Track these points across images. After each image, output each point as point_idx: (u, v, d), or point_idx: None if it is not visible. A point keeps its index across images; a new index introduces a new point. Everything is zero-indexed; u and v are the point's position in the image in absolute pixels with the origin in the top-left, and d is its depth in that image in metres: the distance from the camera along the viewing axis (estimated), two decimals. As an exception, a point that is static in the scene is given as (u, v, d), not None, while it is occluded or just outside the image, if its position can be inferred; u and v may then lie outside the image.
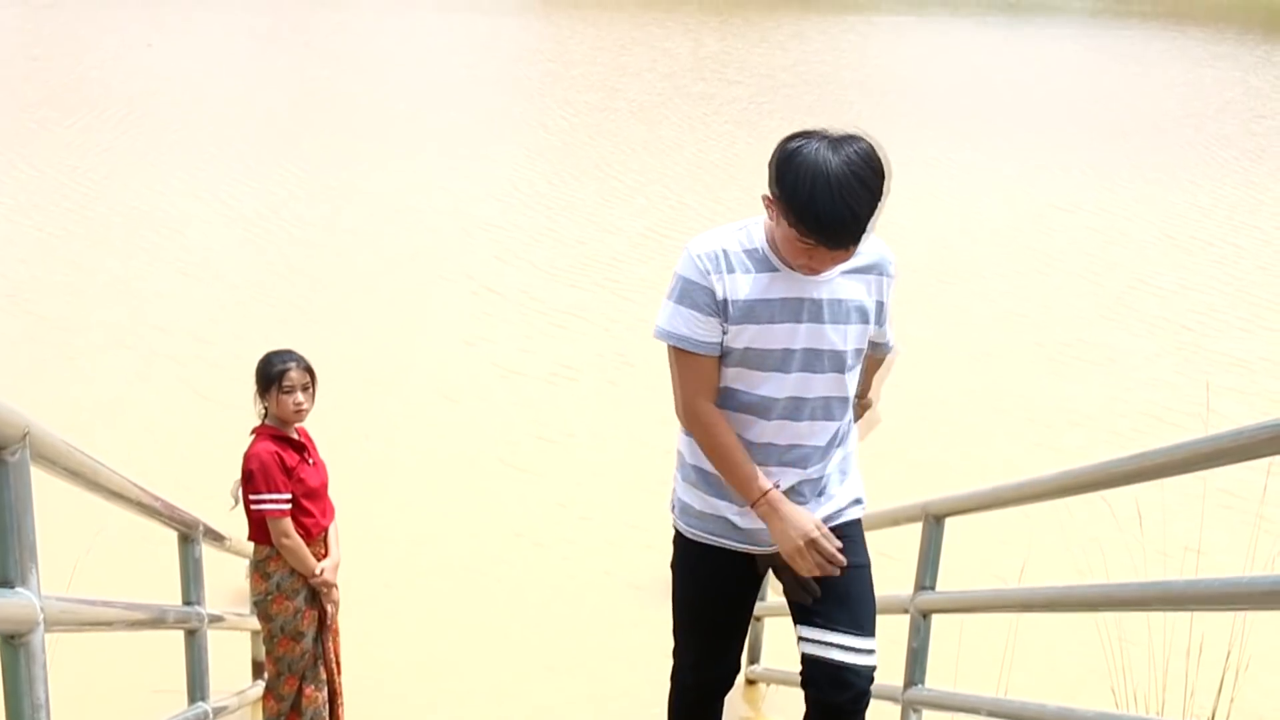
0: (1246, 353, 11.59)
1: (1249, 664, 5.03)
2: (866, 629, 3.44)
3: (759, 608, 5.12)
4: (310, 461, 5.03)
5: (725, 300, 3.18)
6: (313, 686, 5.08)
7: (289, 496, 4.86)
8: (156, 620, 3.99)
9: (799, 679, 3.53)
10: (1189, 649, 5.05)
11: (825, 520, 3.42)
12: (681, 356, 3.28)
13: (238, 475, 4.95)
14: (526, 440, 9.34)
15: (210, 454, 8.46)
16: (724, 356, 3.26)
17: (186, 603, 4.51)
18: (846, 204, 2.92)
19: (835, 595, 3.44)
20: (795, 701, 3.67)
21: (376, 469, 8.59)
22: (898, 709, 4.51)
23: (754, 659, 5.99)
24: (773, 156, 3.05)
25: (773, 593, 5.60)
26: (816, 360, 3.25)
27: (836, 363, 3.27)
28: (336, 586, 5.10)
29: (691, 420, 3.33)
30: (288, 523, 4.84)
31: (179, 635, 4.52)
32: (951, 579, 4.46)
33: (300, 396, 4.88)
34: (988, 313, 12.65)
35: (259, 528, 4.91)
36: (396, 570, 7.34)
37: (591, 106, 24.52)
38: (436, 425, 9.62)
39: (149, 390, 10.05)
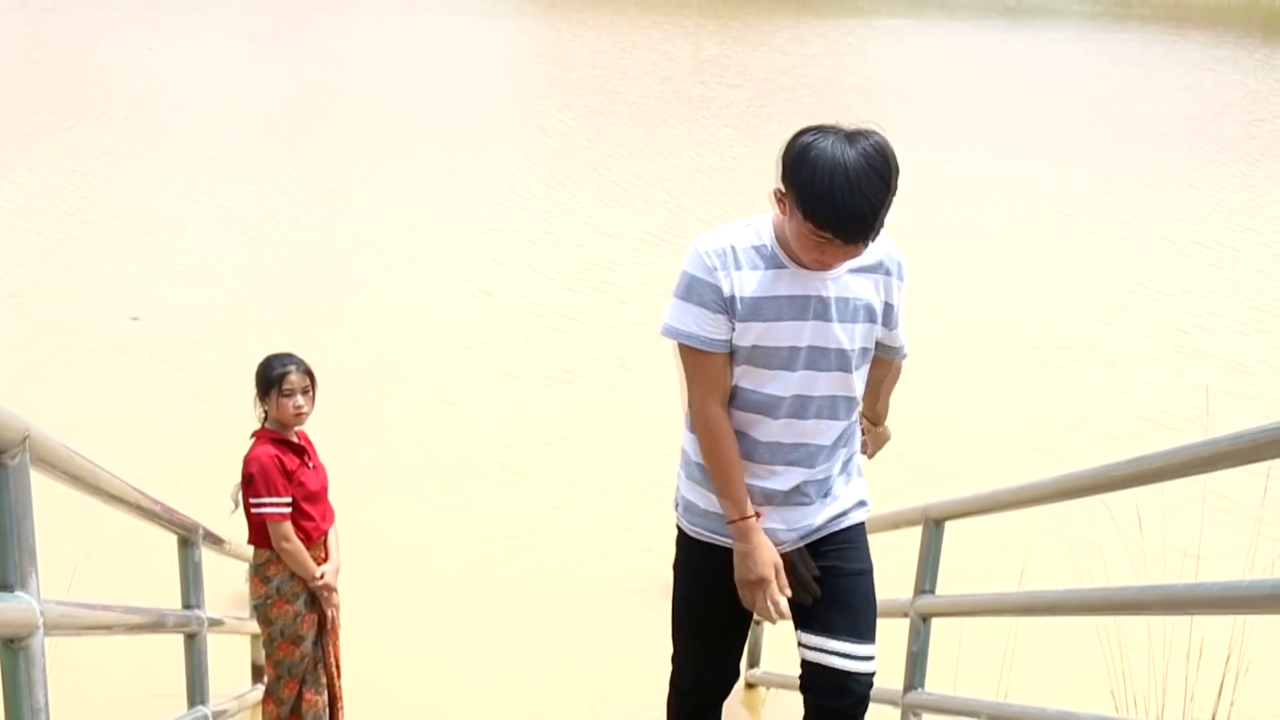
0: (1245, 356, 11.60)
1: (1249, 668, 5.03)
2: (867, 635, 3.44)
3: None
4: (310, 465, 5.02)
5: (732, 297, 3.17)
6: (313, 690, 5.08)
7: (289, 500, 4.85)
8: (156, 624, 3.99)
9: (798, 683, 3.54)
10: (1189, 652, 5.05)
11: (830, 522, 3.43)
12: (690, 354, 3.26)
13: (237, 479, 4.95)
14: (524, 443, 9.34)
15: (209, 457, 8.46)
16: (731, 355, 3.24)
17: (186, 606, 4.50)
18: (865, 196, 2.91)
19: (836, 601, 3.44)
20: (795, 706, 3.67)
21: (374, 472, 8.58)
22: (897, 712, 4.51)
23: (754, 662, 5.99)
24: (784, 151, 3.04)
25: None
26: (822, 358, 3.24)
27: (842, 361, 3.27)
28: (336, 590, 5.10)
29: (699, 424, 3.32)
30: (288, 526, 4.84)
31: (178, 639, 4.52)
32: (951, 583, 4.46)
33: (300, 399, 4.88)
34: (986, 316, 12.65)
35: (259, 531, 4.90)
36: (395, 573, 7.33)
37: (590, 109, 24.53)
38: (434, 428, 9.61)
39: (147, 393, 10.05)
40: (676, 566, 3.64)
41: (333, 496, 5.22)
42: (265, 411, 4.94)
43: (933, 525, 4.28)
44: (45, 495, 2.53)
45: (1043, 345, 11.84)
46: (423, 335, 11.71)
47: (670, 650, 3.76)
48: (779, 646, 5.71)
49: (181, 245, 14.37)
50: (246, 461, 4.87)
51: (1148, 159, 21.47)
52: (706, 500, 3.43)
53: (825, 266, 3.14)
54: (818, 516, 3.42)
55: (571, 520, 8.20)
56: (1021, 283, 13.95)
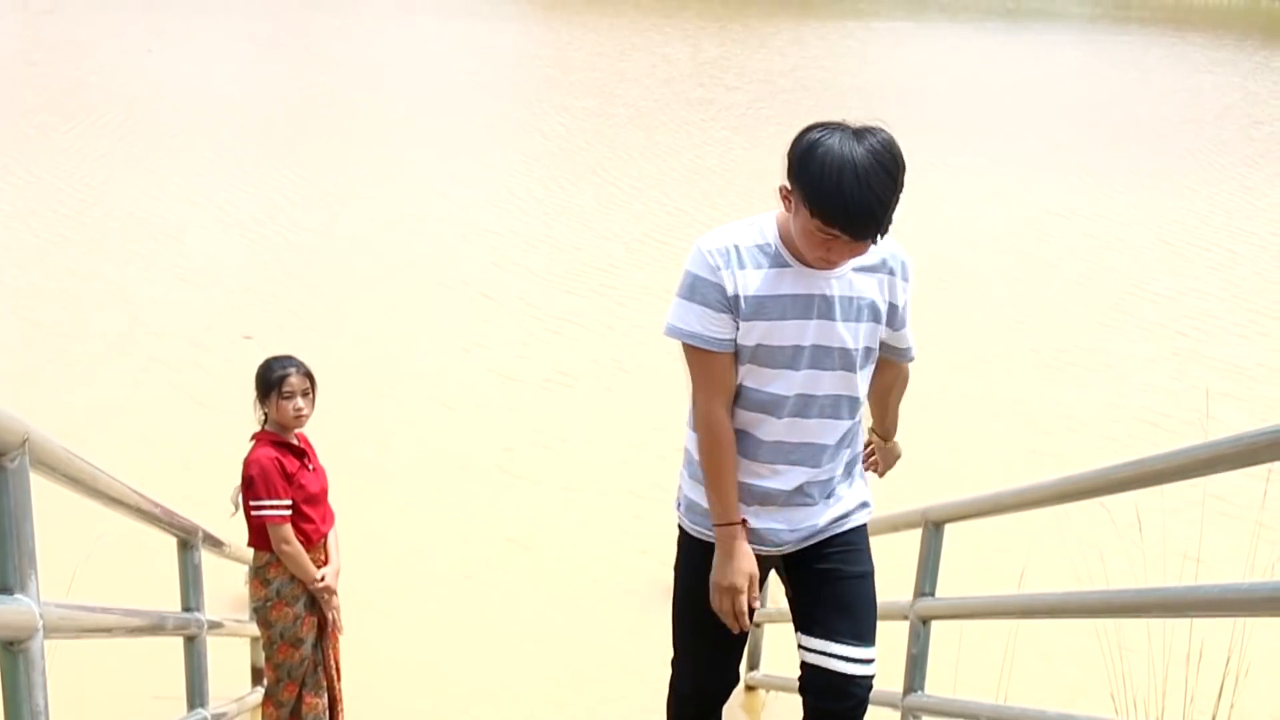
0: (1243, 358, 11.60)
1: (1248, 670, 5.03)
2: (867, 639, 3.44)
3: (758, 614, 5.11)
4: (310, 467, 5.02)
5: (736, 296, 3.16)
6: (312, 693, 5.07)
7: (289, 502, 4.85)
8: (156, 626, 3.99)
9: (798, 685, 3.54)
10: (1188, 655, 5.05)
11: (833, 523, 3.43)
12: (694, 354, 3.25)
13: (237, 481, 4.95)
14: (523, 446, 9.34)
15: (208, 460, 8.46)
16: (736, 354, 3.23)
17: (186, 609, 4.50)
18: (873, 193, 2.90)
19: (837, 604, 3.44)
20: (795, 709, 3.67)
21: (373, 475, 8.58)
22: (897, 715, 4.51)
23: (753, 665, 5.99)
24: (791, 148, 3.03)
25: (772, 600, 5.61)
26: (826, 357, 3.23)
27: (846, 360, 3.26)
28: (336, 593, 5.10)
29: (702, 424, 3.31)
30: (288, 529, 4.84)
31: (178, 642, 4.52)
32: (951, 585, 4.46)
33: (300, 402, 4.88)
34: (985, 318, 12.65)
35: (259, 534, 4.90)
36: (394, 575, 7.33)
37: (589, 112, 24.54)
38: (433, 431, 9.61)
39: (146, 396, 10.04)
40: (678, 567, 3.62)
41: (332, 499, 5.21)
42: (265, 414, 4.94)
43: (932, 528, 4.28)
44: (45, 498, 2.53)
45: (1041, 348, 11.85)
46: (422, 338, 11.71)
47: (670, 654, 3.73)
48: (779, 648, 5.70)
49: (180, 248, 14.36)
50: (246, 464, 4.87)
51: (1147, 161, 21.48)
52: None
53: (831, 264, 3.13)
54: (821, 517, 3.41)
55: (570, 522, 8.20)
56: (1020, 285, 13.95)
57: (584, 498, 8.55)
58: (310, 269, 13.82)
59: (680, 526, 3.57)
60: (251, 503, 4.84)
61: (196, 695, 4.54)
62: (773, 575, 3.68)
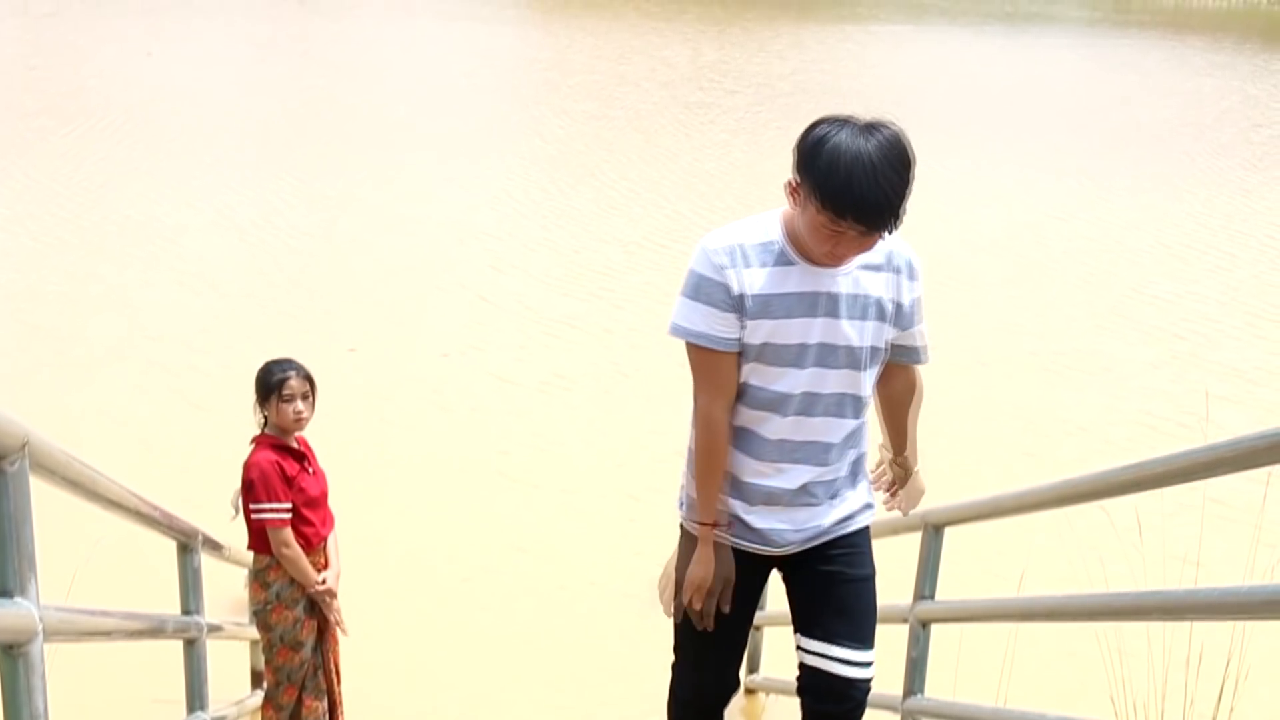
0: (1242, 361, 11.60)
1: (1248, 674, 5.03)
2: (867, 641, 3.45)
3: (758, 617, 5.12)
4: (310, 470, 5.02)
5: (742, 295, 3.15)
6: (312, 696, 5.07)
7: (289, 506, 4.85)
8: (155, 630, 3.99)
9: (796, 686, 3.54)
10: (1188, 659, 5.05)
11: (837, 524, 3.43)
12: (699, 354, 3.24)
13: (238, 485, 4.95)
14: (520, 449, 9.34)
15: (207, 464, 8.46)
16: (742, 353, 3.22)
17: (185, 612, 4.51)
18: (882, 186, 2.90)
19: (839, 607, 3.44)
20: (794, 712, 3.67)
21: (371, 478, 8.58)
22: (897, 718, 4.51)
23: (753, 668, 5.99)
24: (799, 142, 3.02)
25: (772, 602, 5.61)
26: (831, 355, 3.22)
27: (851, 359, 3.25)
28: (337, 596, 5.09)
29: (702, 422, 3.31)
30: (288, 532, 4.84)
31: (178, 645, 4.52)
32: (951, 588, 4.46)
33: (300, 405, 4.88)
34: (984, 321, 12.65)
35: (259, 537, 4.90)
36: (392, 579, 7.33)
37: (588, 115, 24.54)
38: (431, 434, 9.61)
39: (144, 400, 10.04)
40: (679, 569, 3.60)
41: (331, 502, 5.21)
42: (265, 417, 4.94)
43: (932, 531, 4.28)
44: (44, 501, 2.53)
45: (1040, 351, 11.85)
46: (420, 341, 11.71)
47: (669, 658, 3.72)
48: (778, 653, 5.70)
49: (179, 251, 14.37)
50: (246, 467, 4.87)
51: (1146, 164, 21.48)
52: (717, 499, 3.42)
53: (837, 260, 3.12)
54: (825, 518, 3.41)
55: (567, 526, 8.20)
56: (1019, 288, 13.95)
57: (581, 501, 8.55)
58: (309, 272, 13.82)
59: (682, 526, 3.55)
60: (251, 506, 4.84)
61: (196, 698, 4.54)
62: (773, 577, 3.67)
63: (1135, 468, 3.17)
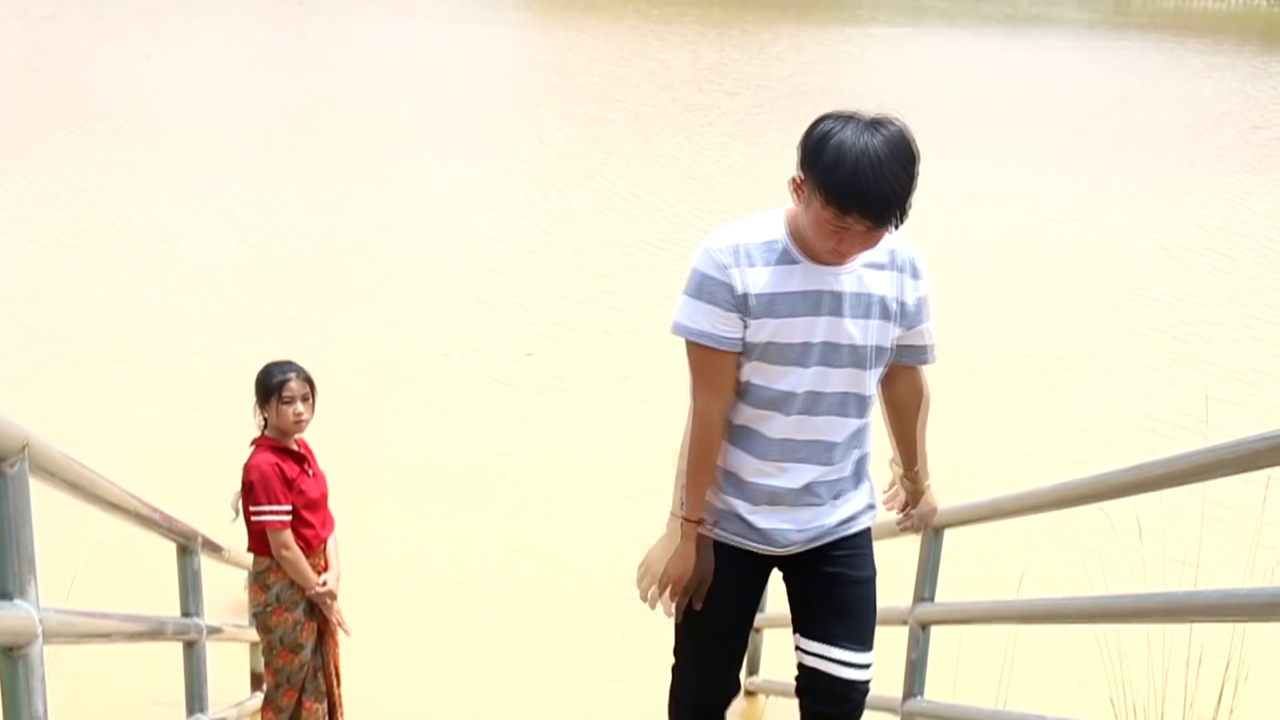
0: (1241, 364, 11.60)
1: (1248, 676, 5.03)
2: (866, 643, 3.45)
3: (758, 619, 5.12)
4: (310, 473, 5.02)
5: (745, 294, 3.14)
6: (312, 698, 5.07)
7: (289, 508, 4.85)
8: (155, 632, 3.99)
9: (794, 686, 3.54)
10: (1188, 661, 5.05)
11: (840, 525, 3.43)
12: (700, 353, 3.23)
13: (237, 487, 4.95)
14: (518, 452, 9.33)
15: (206, 466, 8.46)
16: (745, 351, 3.21)
17: (185, 614, 4.50)
18: (887, 181, 2.89)
19: (840, 609, 3.44)
20: (794, 715, 3.67)
21: (369, 480, 8.57)
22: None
23: (753, 670, 5.98)
24: (804, 138, 3.01)
25: (772, 604, 5.61)
26: (834, 354, 3.21)
27: (855, 358, 3.24)
28: (337, 597, 5.09)
29: (698, 421, 3.30)
30: (288, 534, 4.84)
31: (178, 647, 4.51)
32: (950, 590, 4.46)
33: (300, 407, 4.88)
34: (982, 323, 12.64)
35: (259, 539, 4.90)
36: (390, 581, 7.33)
37: (588, 118, 24.54)
38: (429, 436, 9.61)
39: (143, 402, 10.04)
40: None
41: (330, 504, 5.21)
42: (265, 419, 4.95)
43: (932, 533, 4.28)
44: (44, 503, 2.53)
45: (1039, 353, 11.85)
46: (418, 343, 11.71)
47: (668, 661, 3.71)
48: (778, 655, 5.70)
49: (178, 253, 14.36)
50: (246, 469, 4.87)
51: (1145, 166, 21.49)
52: (718, 499, 3.40)
53: (841, 256, 3.10)
54: (828, 518, 3.41)
55: (565, 528, 8.20)
56: (1018, 290, 13.96)
57: (580, 503, 8.55)
58: (308, 274, 13.82)
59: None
60: (251, 508, 4.84)
61: (196, 701, 4.54)
62: (773, 579, 3.66)
63: (1135, 470, 3.17)
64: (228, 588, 6.39)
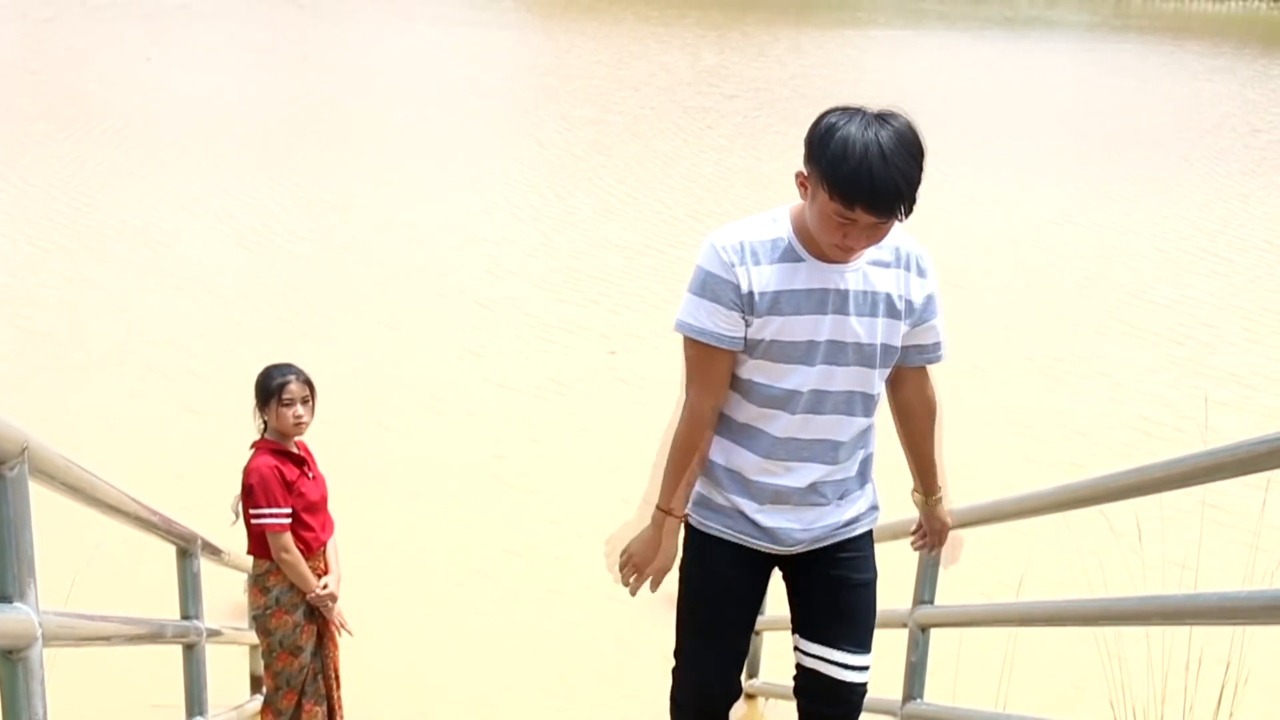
0: (1239, 367, 11.60)
1: (1248, 678, 5.04)
2: (865, 646, 3.46)
3: (758, 621, 5.12)
4: (310, 475, 5.02)
5: (750, 293, 3.14)
6: (312, 701, 5.07)
7: (289, 511, 4.85)
8: (155, 635, 3.99)
9: (792, 687, 3.54)
10: (1187, 663, 5.05)
11: (843, 527, 3.43)
12: (699, 350, 3.23)
13: (237, 490, 4.95)
14: (516, 455, 9.33)
15: (205, 469, 8.46)
16: (749, 349, 3.21)
17: (185, 617, 4.51)
18: (892, 172, 2.88)
19: (841, 611, 3.45)
20: (793, 718, 3.67)
21: (367, 484, 8.56)
22: (896, 723, 4.51)
23: (752, 673, 5.98)
24: (810, 132, 3.01)
25: (771, 607, 5.61)
26: (840, 353, 3.20)
27: (861, 356, 3.23)
28: (338, 600, 5.09)
29: (689, 416, 3.32)
30: (288, 537, 4.84)
31: (177, 650, 4.52)
32: (950, 593, 4.46)
33: (300, 409, 4.88)
34: (981, 326, 12.64)
35: (258, 542, 4.90)
36: (388, 584, 7.33)
37: (587, 120, 24.55)
38: (427, 439, 9.61)
39: (142, 405, 10.03)
40: (684, 567, 3.57)
41: (330, 506, 5.21)
42: (265, 421, 4.94)
43: (931, 536, 4.27)
44: (44, 506, 2.53)
45: (1037, 355, 11.85)
46: (417, 346, 11.71)
47: (668, 664, 3.69)
48: (778, 658, 5.70)
49: (177, 256, 14.36)
50: (246, 472, 4.87)
51: (1144, 169, 21.50)
52: (724, 497, 3.39)
53: (847, 252, 3.09)
54: (833, 518, 3.40)
55: (563, 530, 8.19)
56: (1016, 292, 13.97)
57: (577, 505, 8.55)
58: (307, 277, 13.82)
59: (687, 523, 3.53)
60: (251, 511, 4.84)
61: (195, 703, 4.54)
62: (774, 582, 3.65)
63: (1135, 472, 3.17)
64: (227, 590, 6.38)
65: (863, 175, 2.88)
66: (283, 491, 4.83)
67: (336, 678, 5.23)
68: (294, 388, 4.87)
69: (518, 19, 46.69)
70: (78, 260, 14.06)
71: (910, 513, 4.36)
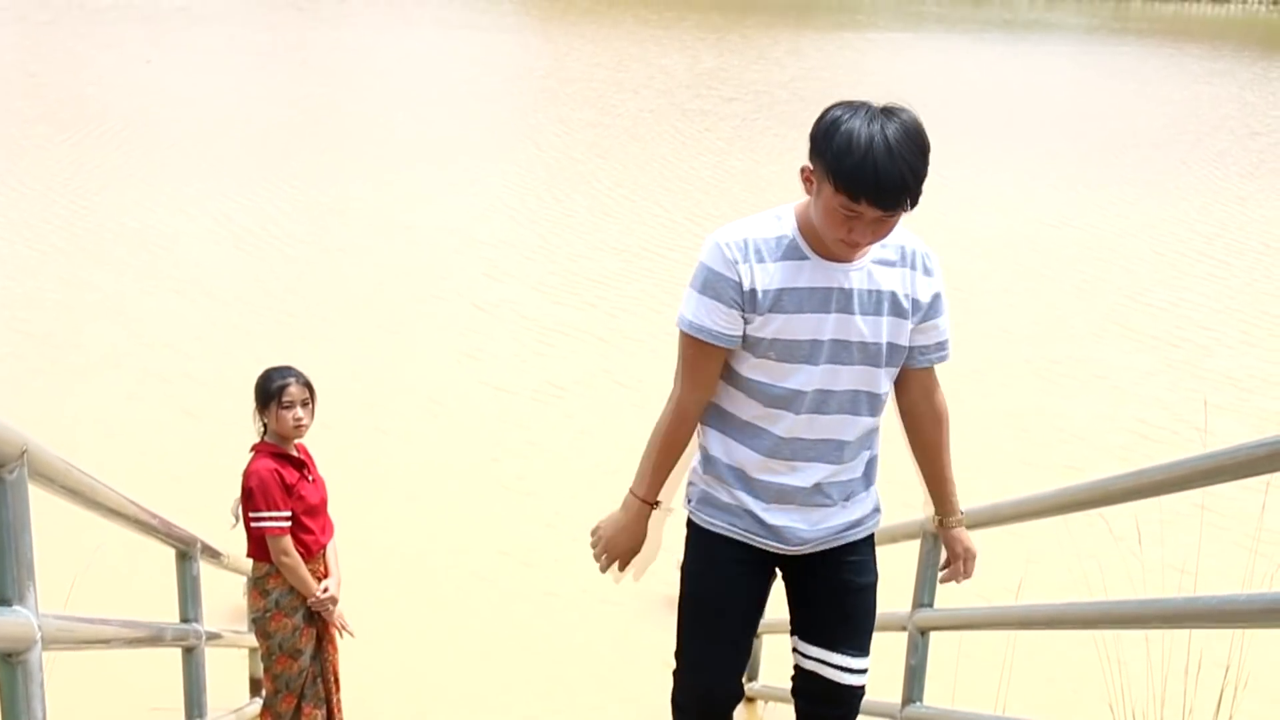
0: (1237, 370, 11.61)
1: (1247, 682, 5.03)
2: (865, 649, 3.45)
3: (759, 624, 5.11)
4: (310, 478, 5.02)
5: (753, 290, 3.12)
6: (311, 704, 5.06)
7: (289, 514, 4.84)
8: (154, 638, 3.98)
9: (790, 687, 3.54)
10: (1187, 666, 5.05)
11: (847, 529, 3.42)
12: (695, 346, 3.23)
13: (237, 493, 4.94)
14: (513, 458, 9.33)
15: (203, 472, 8.46)
16: (752, 347, 3.19)
17: (184, 620, 4.50)
18: (897, 164, 2.87)
19: (839, 614, 3.44)
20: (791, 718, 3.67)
21: (364, 486, 8.57)
22: (895, 726, 4.50)
23: (751, 676, 5.98)
24: (814, 126, 3.01)
25: (771, 610, 5.60)
26: (844, 352, 3.18)
27: (866, 355, 3.21)
28: (338, 602, 5.09)
29: (677, 410, 3.34)
30: (287, 541, 4.83)
31: (176, 653, 4.51)
32: (949, 596, 4.46)
33: (300, 412, 4.87)
34: (979, 328, 12.64)
35: (258, 545, 4.89)
36: (386, 586, 7.32)
37: (586, 123, 24.56)
38: (426, 442, 9.60)
39: (140, 408, 10.03)
40: (686, 564, 3.54)
41: (329, 509, 5.21)
42: (264, 424, 4.94)
43: (931, 538, 4.27)
44: (43, 509, 2.53)
45: (1035, 358, 11.85)
46: (415, 349, 11.70)
47: (665, 665, 3.68)
48: (777, 660, 5.70)
49: (175, 259, 14.36)
50: (246, 475, 4.86)
51: (1142, 172, 21.52)
52: (729, 495, 3.38)
53: (852, 246, 3.06)
54: (839, 519, 3.39)
55: (560, 534, 8.18)
56: (1015, 295, 13.97)
57: (575, 508, 8.54)
58: (305, 280, 13.82)
59: (690, 521, 3.52)
60: (250, 514, 4.83)
61: (195, 706, 4.54)
62: (775, 584, 3.63)
63: (1134, 476, 3.16)
64: (227, 593, 6.38)
65: (868, 167, 2.87)
66: (282, 495, 4.83)
67: (336, 681, 5.22)
68: (294, 390, 4.86)
69: (517, 22, 46.72)
70: (76, 263, 14.06)
71: (910, 514, 4.37)
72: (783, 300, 3.13)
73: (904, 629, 4.37)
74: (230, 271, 13.93)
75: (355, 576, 6.41)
